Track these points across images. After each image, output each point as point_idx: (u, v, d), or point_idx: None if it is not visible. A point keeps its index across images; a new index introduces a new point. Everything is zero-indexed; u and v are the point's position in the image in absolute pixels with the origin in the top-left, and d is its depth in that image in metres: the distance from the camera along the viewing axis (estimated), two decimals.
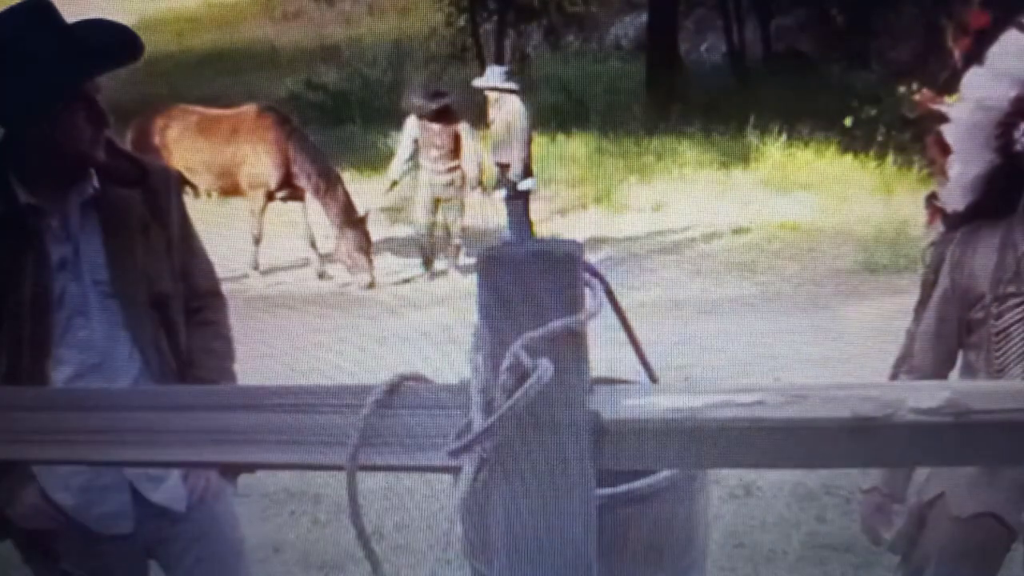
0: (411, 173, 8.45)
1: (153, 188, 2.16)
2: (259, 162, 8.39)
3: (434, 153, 8.26)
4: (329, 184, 8.28)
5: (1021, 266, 2.23)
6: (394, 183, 8.64)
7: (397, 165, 8.52)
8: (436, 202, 8.40)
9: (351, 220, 8.23)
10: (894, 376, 2.46)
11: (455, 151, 8.31)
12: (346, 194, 8.31)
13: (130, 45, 2.04)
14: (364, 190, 8.85)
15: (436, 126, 8.21)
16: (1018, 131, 2.23)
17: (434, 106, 8.17)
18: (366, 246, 8.30)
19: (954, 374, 2.42)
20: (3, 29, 1.96)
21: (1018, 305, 2.24)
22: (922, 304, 2.42)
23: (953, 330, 2.36)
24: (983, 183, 2.28)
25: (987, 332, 2.28)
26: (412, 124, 8.34)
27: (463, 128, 8.27)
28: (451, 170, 8.33)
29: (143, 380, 2.11)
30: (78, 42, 1.99)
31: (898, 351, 2.49)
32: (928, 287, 2.41)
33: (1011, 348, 2.25)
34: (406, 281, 8.51)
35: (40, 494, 2.11)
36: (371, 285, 8.28)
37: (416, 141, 8.30)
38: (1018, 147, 2.23)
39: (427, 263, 8.54)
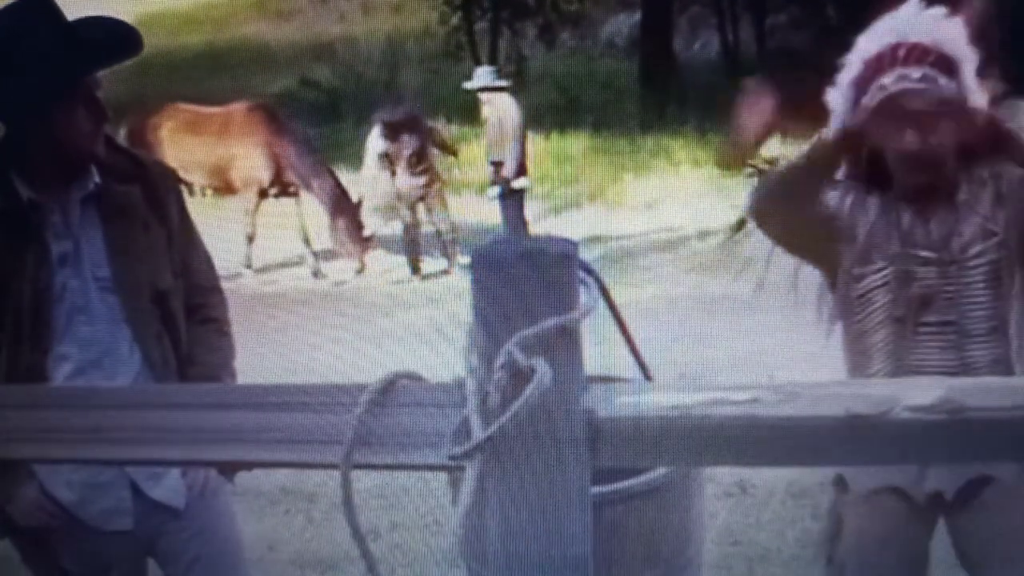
0: (387, 185, 8.45)
1: (152, 184, 2.17)
2: (250, 159, 8.41)
3: (406, 163, 8.30)
4: (317, 172, 8.32)
5: (892, 237, 2.18)
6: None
7: (368, 184, 8.48)
8: (415, 203, 8.43)
9: (343, 207, 8.25)
10: None
11: (424, 154, 8.35)
12: (337, 182, 8.34)
13: (129, 40, 2.06)
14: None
15: (404, 136, 8.26)
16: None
17: (403, 118, 8.25)
18: (357, 233, 8.31)
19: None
20: (2, 26, 1.96)
21: (878, 271, 2.21)
22: None
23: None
24: None
25: (849, 296, 2.28)
26: (377, 139, 8.35)
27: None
28: (424, 171, 8.37)
29: (143, 376, 2.11)
30: (78, 38, 2.01)
31: None
32: None
33: (872, 315, 2.23)
34: (401, 281, 8.50)
35: (40, 491, 2.11)
36: (360, 271, 8.31)
37: (386, 155, 8.31)
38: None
39: (414, 264, 8.53)
